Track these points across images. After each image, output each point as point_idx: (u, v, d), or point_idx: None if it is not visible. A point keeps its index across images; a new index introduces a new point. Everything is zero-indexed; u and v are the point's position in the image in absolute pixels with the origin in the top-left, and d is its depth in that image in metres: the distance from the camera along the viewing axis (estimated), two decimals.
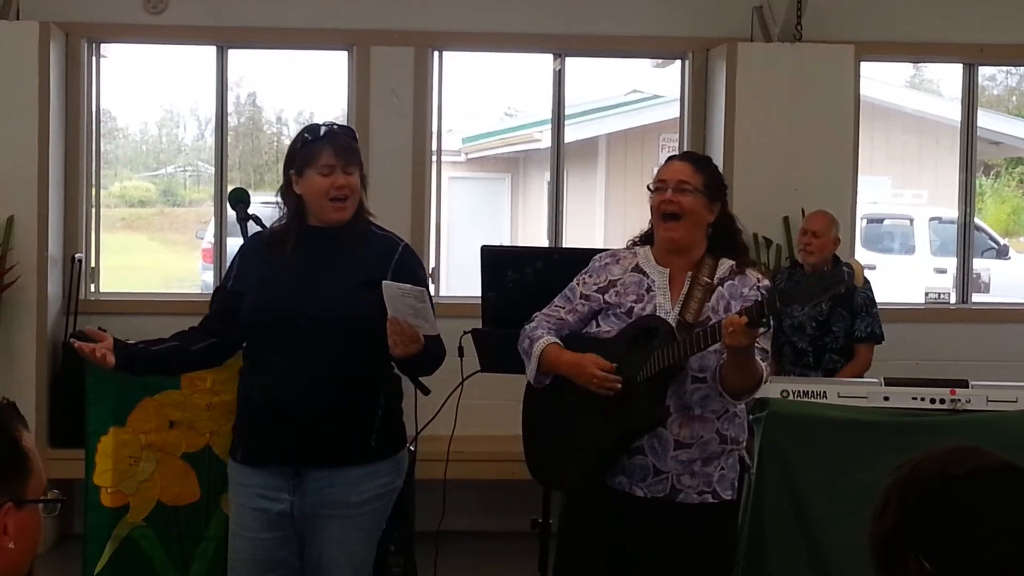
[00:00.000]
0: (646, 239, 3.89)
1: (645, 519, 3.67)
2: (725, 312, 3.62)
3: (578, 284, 3.86)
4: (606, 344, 3.70)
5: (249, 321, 3.77)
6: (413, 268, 3.83)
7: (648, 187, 3.85)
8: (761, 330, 3.47)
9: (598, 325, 3.78)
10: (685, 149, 7.40)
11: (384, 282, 3.54)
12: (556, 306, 3.87)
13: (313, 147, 3.72)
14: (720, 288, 3.70)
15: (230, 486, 3.91)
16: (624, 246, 3.94)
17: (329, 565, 3.79)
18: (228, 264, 3.96)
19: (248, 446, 3.81)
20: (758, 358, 3.58)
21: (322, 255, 3.75)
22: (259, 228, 4.07)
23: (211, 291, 7.35)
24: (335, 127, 3.82)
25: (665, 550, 3.68)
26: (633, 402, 3.61)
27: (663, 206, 3.73)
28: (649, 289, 3.74)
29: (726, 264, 3.76)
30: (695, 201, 3.72)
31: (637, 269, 3.79)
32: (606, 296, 3.78)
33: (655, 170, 3.90)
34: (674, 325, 3.62)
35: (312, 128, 3.79)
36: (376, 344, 3.63)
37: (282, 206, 3.83)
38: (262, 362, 3.76)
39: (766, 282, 3.78)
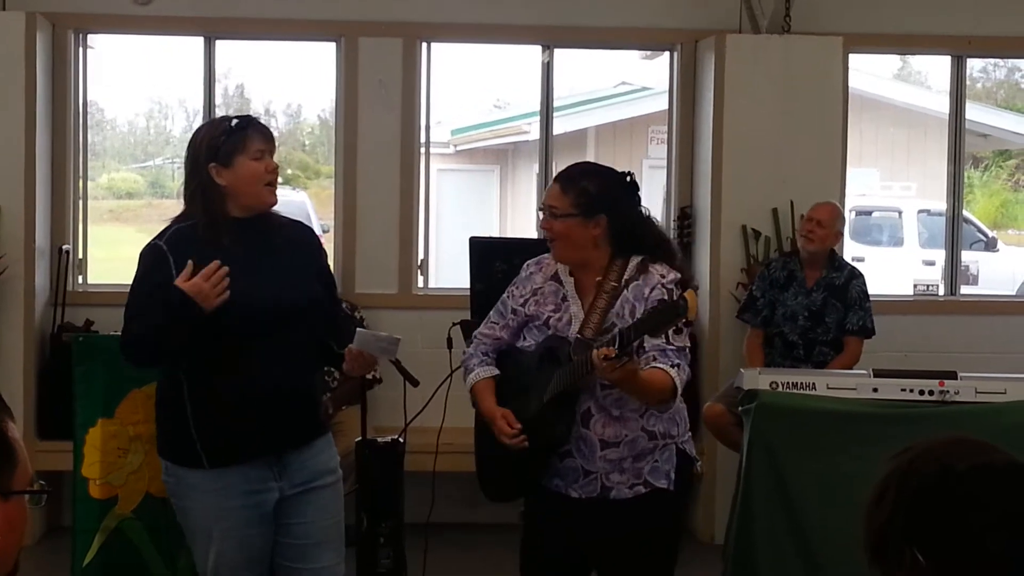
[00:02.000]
0: None
1: (583, 519, 3.73)
2: (630, 316, 3.60)
3: (508, 297, 3.90)
4: (526, 362, 3.80)
5: (222, 319, 3.63)
6: (323, 249, 4.03)
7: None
8: (671, 332, 3.47)
9: (524, 339, 3.84)
10: (674, 141, 7.40)
11: (359, 331, 3.75)
12: (491, 323, 3.93)
13: (241, 135, 3.72)
14: (625, 292, 3.67)
15: (198, 496, 3.75)
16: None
17: (323, 537, 3.83)
18: (152, 261, 3.72)
19: (220, 448, 3.70)
20: (663, 364, 3.58)
21: (262, 245, 3.74)
22: None
23: None
24: (252, 116, 3.89)
25: (607, 546, 3.75)
26: (540, 423, 3.71)
27: (541, 231, 3.82)
28: (564, 298, 3.77)
29: (634, 263, 3.71)
30: (565, 224, 3.68)
31: (555, 277, 3.81)
32: (527, 308, 3.82)
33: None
34: (572, 343, 3.65)
35: (229, 118, 3.80)
36: (320, 326, 3.82)
37: (200, 199, 3.73)
38: (233, 359, 3.68)
39: (671, 276, 3.69)
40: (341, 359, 3.80)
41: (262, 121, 3.91)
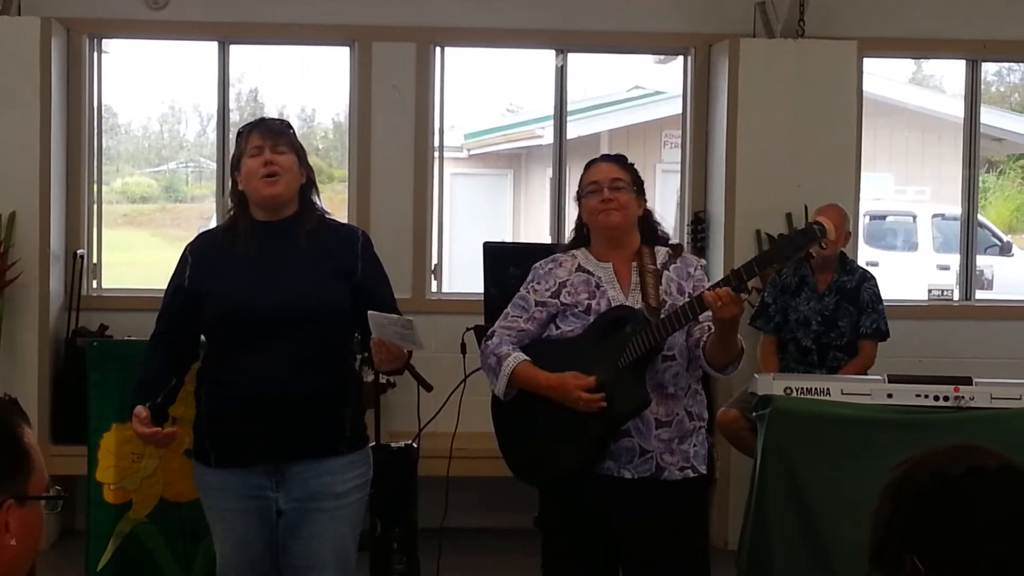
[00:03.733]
0: (576, 244, 4.01)
1: (634, 500, 3.77)
2: (679, 293, 3.82)
3: (529, 292, 3.95)
4: (577, 342, 3.82)
5: (221, 319, 3.72)
6: (375, 255, 3.89)
7: (577, 195, 3.99)
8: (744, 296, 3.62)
9: (558, 327, 3.88)
10: (688, 145, 7.40)
11: (370, 312, 3.54)
12: (513, 317, 3.95)
13: (242, 138, 3.80)
14: (667, 272, 3.86)
15: (204, 489, 3.82)
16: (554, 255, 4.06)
17: (316, 562, 3.73)
18: (177, 263, 3.87)
19: (224, 448, 3.74)
20: None
21: (283, 248, 3.74)
22: None
23: None
24: (265, 117, 3.95)
25: (653, 528, 3.78)
26: (618, 390, 3.72)
27: (602, 205, 3.86)
28: (598, 285, 3.87)
29: (662, 251, 3.93)
30: (627, 197, 3.89)
31: (580, 269, 3.91)
32: (560, 298, 3.88)
33: (580, 178, 4.02)
34: (641, 311, 3.75)
35: (244, 125, 3.88)
36: (344, 333, 3.74)
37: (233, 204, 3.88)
38: (235, 359, 3.71)
39: (703, 262, 4.03)
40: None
41: (275, 121, 3.89)
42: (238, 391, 3.70)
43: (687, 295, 3.81)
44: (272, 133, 3.77)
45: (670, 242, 3.98)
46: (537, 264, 4.01)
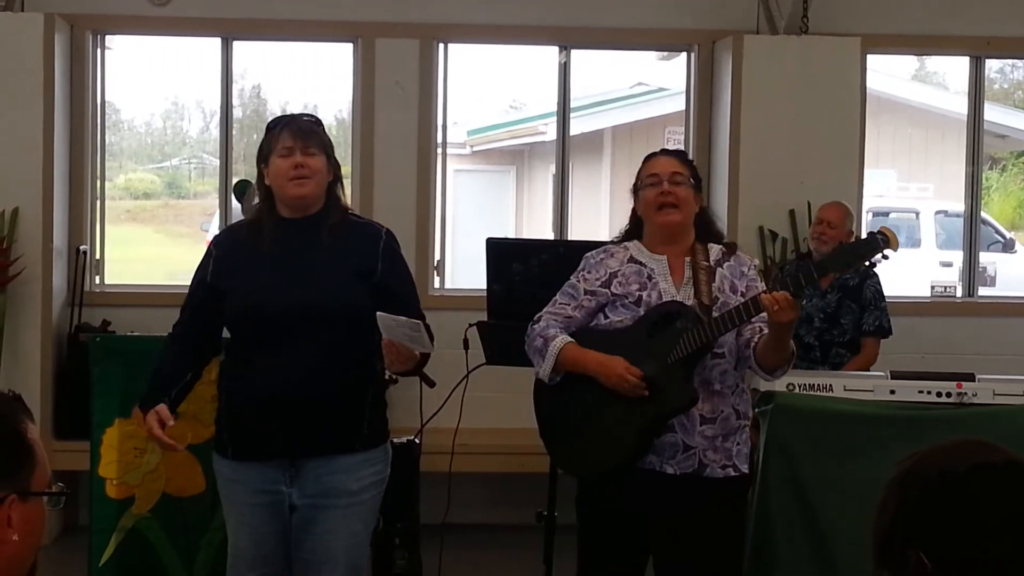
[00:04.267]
0: (629, 236, 3.99)
1: (674, 496, 3.75)
2: (731, 292, 3.80)
3: (579, 281, 3.93)
4: (626, 334, 3.79)
5: (239, 316, 3.75)
6: (398, 254, 3.87)
7: (634, 187, 3.95)
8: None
9: (606, 317, 3.86)
10: (691, 142, 7.40)
11: (379, 314, 3.52)
12: (561, 304, 3.93)
13: (272, 135, 3.78)
14: (720, 269, 3.85)
15: (222, 482, 3.85)
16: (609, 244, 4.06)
17: (326, 559, 3.75)
18: (202, 257, 3.91)
19: (241, 441, 3.77)
20: None
21: (305, 246, 3.74)
22: None
23: None
24: (298, 114, 3.87)
25: (691, 525, 3.76)
26: (666, 385, 3.70)
27: (661, 198, 3.83)
28: (650, 277, 3.84)
29: (715, 248, 3.91)
30: (687, 191, 3.87)
31: (633, 260, 3.89)
32: (611, 288, 3.86)
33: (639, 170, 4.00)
34: (694, 308, 3.73)
35: (275, 119, 3.87)
36: (365, 333, 3.67)
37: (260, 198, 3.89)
38: (253, 356, 3.73)
39: (756, 261, 4.01)
40: None
41: (305, 119, 3.85)
42: (254, 388, 3.72)
43: (739, 294, 3.81)
44: (303, 134, 3.75)
45: (724, 240, 3.97)
46: (589, 254, 3.99)
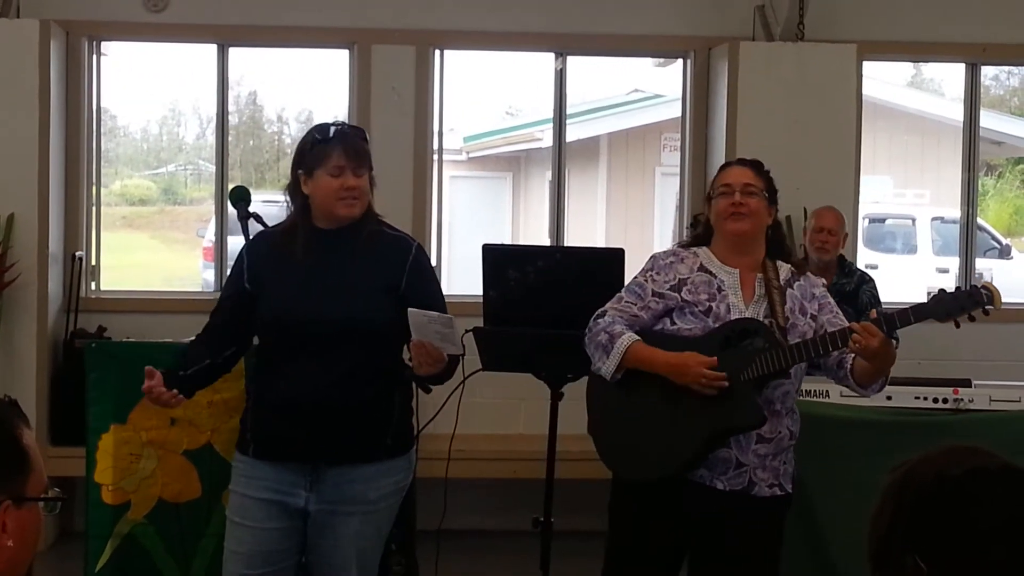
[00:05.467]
0: (698, 242, 3.95)
1: (721, 511, 3.72)
2: (800, 314, 3.77)
3: (647, 281, 3.86)
4: (697, 343, 3.72)
5: (268, 323, 3.76)
6: (426, 268, 3.89)
7: (708, 195, 3.93)
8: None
9: (673, 323, 3.80)
10: (687, 149, 7.40)
11: (410, 310, 3.54)
12: (627, 302, 3.86)
13: (324, 148, 3.71)
14: (790, 289, 3.81)
15: (234, 477, 3.86)
16: (672, 247, 4.01)
17: (340, 564, 3.78)
18: (235, 260, 3.90)
19: (264, 441, 3.79)
20: None
21: (336, 258, 3.74)
22: (260, 227, 4.07)
23: (212, 289, 7.39)
24: (346, 127, 3.82)
25: (734, 542, 3.74)
26: (735, 402, 3.65)
27: (732, 208, 3.79)
28: (720, 289, 3.78)
29: (785, 267, 3.86)
30: (759, 203, 3.81)
31: (703, 269, 3.83)
32: (681, 294, 3.80)
33: (712, 179, 4.00)
34: (770, 328, 3.69)
35: (322, 128, 3.78)
36: (392, 345, 3.73)
37: (289, 205, 3.83)
38: (281, 362, 3.75)
39: (824, 281, 3.96)
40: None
41: (356, 136, 3.81)
42: (278, 396, 3.74)
43: (810, 316, 3.78)
44: (357, 156, 3.73)
45: (792, 258, 3.92)
46: (657, 254, 3.92)
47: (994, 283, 3.73)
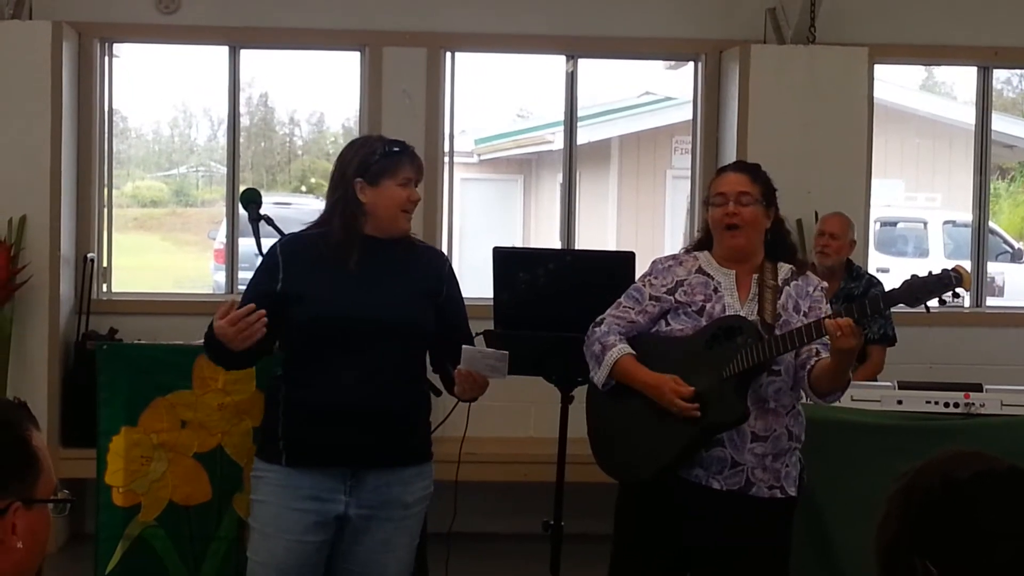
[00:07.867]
0: (701, 246, 3.99)
1: (718, 511, 3.73)
2: (794, 311, 3.78)
3: (645, 286, 3.93)
4: (684, 343, 3.79)
5: (313, 326, 3.75)
6: (456, 279, 4.02)
7: (705, 200, 3.98)
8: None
9: (668, 324, 3.86)
10: (699, 151, 7.39)
11: (464, 347, 3.70)
12: (625, 307, 3.93)
13: (395, 159, 3.80)
14: (787, 288, 3.83)
15: (261, 487, 3.82)
16: (678, 251, 4.08)
17: (376, 570, 3.82)
18: (264, 260, 3.89)
19: (300, 448, 3.77)
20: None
21: (382, 265, 3.80)
22: (272, 229, 4.08)
23: (223, 291, 7.39)
24: (406, 143, 3.91)
25: (732, 543, 3.75)
26: (718, 399, 3.68)
27: (726, 219, 3.83)
28: (716, 290, 3.83)
29: (785, 267, 3.89)
30: (755, 211, 3.84)
31: (700, 271, 3.88)
32: (676, 295, 3.86)
33: (710, 185, 4.02)
34: (755, 324, 3.72)
35: (382, 140, 3.89)
36: (426, 349, 3.88)
37: (339, 210, 3.81)
38: (322, 365, 3.75)
39: (824, 284, 3.95)
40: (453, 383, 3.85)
41: (413, 152, 3.89)
42: (320, 397, 3.75)
43: (803, 314, 3.79)
44: (420, 170, 3.87)
45: (793, 261, 3.93)
46: (657, 259, 4.00)
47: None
